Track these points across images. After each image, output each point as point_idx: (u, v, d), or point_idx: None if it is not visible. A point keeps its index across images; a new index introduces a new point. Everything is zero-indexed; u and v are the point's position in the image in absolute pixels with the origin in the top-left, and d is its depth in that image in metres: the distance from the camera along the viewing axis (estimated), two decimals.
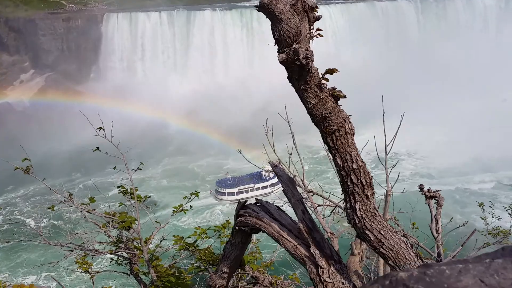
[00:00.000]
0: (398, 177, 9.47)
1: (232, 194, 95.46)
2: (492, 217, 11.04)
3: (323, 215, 9.78)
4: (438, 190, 9.64)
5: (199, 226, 8.16)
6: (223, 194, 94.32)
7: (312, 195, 9.22)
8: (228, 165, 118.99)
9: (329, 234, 7.65)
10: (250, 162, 10.09)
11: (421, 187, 9.70)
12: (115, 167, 7.84)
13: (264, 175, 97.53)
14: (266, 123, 9.52)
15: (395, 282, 1.04)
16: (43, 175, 8.54)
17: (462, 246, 8.60)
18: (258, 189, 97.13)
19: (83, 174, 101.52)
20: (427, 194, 9.75)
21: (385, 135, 9.21)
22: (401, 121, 9.25)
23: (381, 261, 8.15)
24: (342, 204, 10.45)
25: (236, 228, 5.25)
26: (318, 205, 9.39)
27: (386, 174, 9.13)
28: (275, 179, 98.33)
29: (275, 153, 9.53)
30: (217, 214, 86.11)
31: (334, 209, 10.25)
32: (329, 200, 9.92)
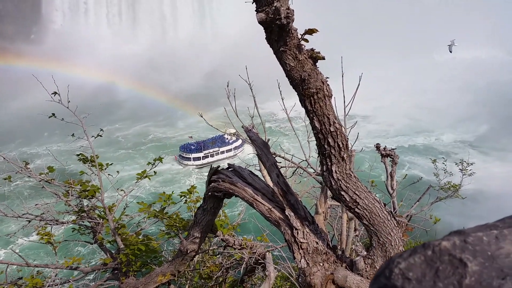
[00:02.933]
0: (357, 137, 9.70)
1: (198, 159, 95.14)
2: (445, 172, 11.64)
3: (286, 176, 9.95)
4: (393, 149, 9.97)
5: (164, 192, 8.02)
6: (189, 159, 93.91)
7: (275, 157, 9.29)
8: (185, 130, 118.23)
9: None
10: (213, 127, 9.91)
11: (377, 146, 9.99)
12: (73, 134, 7.45)
13: (227, 138, 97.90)
14: (228, 86, 9.32)
15: (439, 252, 0.99)
16: None
17: (418, 201, 9.04)
18: (223, 152, 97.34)
19: (26, 143, 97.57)
20: (382, 152, 10.07)
21: (344, 96, 9.32)
22: (359, 81, 9.35)
23: (344, 219, 8.43)
24: (304, 165, 10.70)
25: (209, 193, 5.19)
26: (282, 167, 9.51)
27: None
28: (238, 142, 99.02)
29: (237, 116, 9.42)
30: (183, 179, 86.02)
31: (295, 170, 10.44)
32: (292, 162, 10.06)
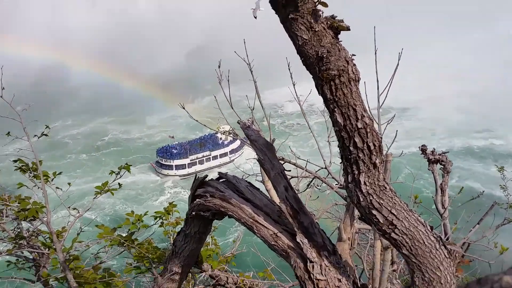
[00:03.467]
0: (395, 136, 9.72)
1: (182, 166, 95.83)
2: None
3: (298, 189, 9.98)
4: (445, 152, 9.97)
5: (133, 212, 8.04)
6: (169, 167, 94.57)
7: (282, 163, 9.24)
8: (159, 128, 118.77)
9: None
10: (200, 123, 9.96)
11: (422, 149, 10.00)
12: (8, 133, 7.46)
13: (220, 139, 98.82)
14: (219, 67, 9.34)
15: None
16: None
17: (478, 224, 9.04)
18: (215, 158, 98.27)
19: None
20: (430, 157, 10.08)
21: (377, 81, 9.35)
22: (399, 60, 9.39)
23: (377, 248, 8.44)
24: (322, 175, 10.71)
25: (193, 213, 5.22)
26: (292, 177, 9.52)
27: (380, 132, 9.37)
28: (235, 144, 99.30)
29: (232, 107, 9.45)
30: (160, 195, 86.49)
31: (311, 181, 10.46)
32: (306, 170, 10.09)
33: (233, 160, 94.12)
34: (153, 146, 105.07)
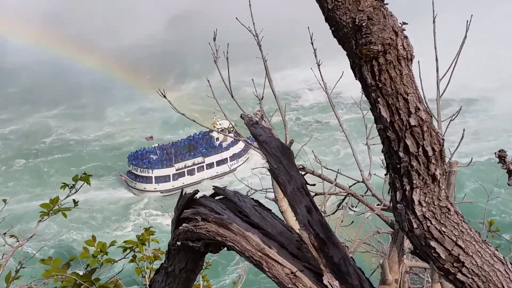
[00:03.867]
0: (462, 138, 9.77)
1: (165, 179, 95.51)
2: None
3: (324, 211, 10.01)
4: None
5: (94, 238, 8.05)
6: (147, 179, 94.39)
7: (303, 175, 9.17)
8: (126, 125, 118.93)
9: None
10: (188, 117, 10.03)
11: (500, 155, 9.99)
12: None
13: (217, 139, 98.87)
14: (214, 40, 9.39)
15: None
16: None
17: None
18: (210, 166, 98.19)
19: None
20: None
21: (436, 60, 9.38)
22: (466, 32, 9.41)
23: None
24: (358, 192, 10.70)
25: (177, 244, 5.25)
26: (316, 194, 9.54)
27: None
28: (238, 147, 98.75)
29: (232, 96, 9.52)
30: (132, 219, 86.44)
31: (344, 200, 10.47)
32: (336, 185, 10.12)
33: (234, 169, 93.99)
34: (116, 151, 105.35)
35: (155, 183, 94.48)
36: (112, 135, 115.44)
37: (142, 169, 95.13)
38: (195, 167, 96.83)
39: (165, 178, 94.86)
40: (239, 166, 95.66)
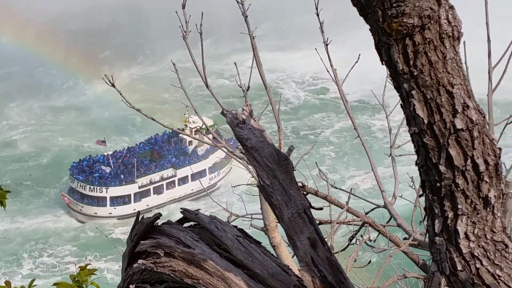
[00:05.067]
0: None
1: (124, 199, 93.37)
2: None
3: (332, 246, 10.00)
4: None
5: (8, 282, 8.06)
6: (99, 201, 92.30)
7: (305, 195, 9.09)
8: (39, 124, 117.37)
9: None
10: (145, 114, 10.07)
11: None
12: None
13: (190, 142, 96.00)
14: (183, 7, 9.42)
15: None
16: None
17: None
18: (183, 181, 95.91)
19: None
20: None
21: (488, 42, 9.43)
22: None
23: None
24: (379, 220, 10.66)
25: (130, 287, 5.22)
26: (321, 222, 9.51)
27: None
28: (219, 153, 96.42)
29: (206, 86, 9.55)
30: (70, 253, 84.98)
31: (358, 231, 10.46)
32: (349, 211, 10.13)
33: (214, 184, 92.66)
34: (24, 163, 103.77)
35: (110, 205, 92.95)
36: (14, 141, 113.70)
37: (92, 187, 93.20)
38: (164, 182, 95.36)
39: (124, 199, 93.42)
40: (220, 179, 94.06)
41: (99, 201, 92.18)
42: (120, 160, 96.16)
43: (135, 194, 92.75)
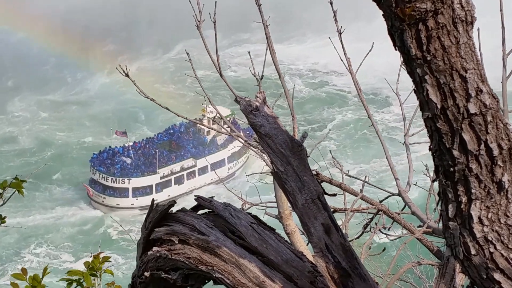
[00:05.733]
0: None
1: (146, 190, 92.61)
2: None
3: (346, 233, 10.00)
4: None
5: (25, 270, 8.08)
6: (121, 192, 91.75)
7: (319, 183, 9.06)
8: (47, 120, 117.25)
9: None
10: (160, 105, 10.08)
11: None
12: None
13: (208, 132, 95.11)
14: None
15: None
16: None
17: None
18: (203, 171, 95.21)
19: None
20: None
21: (502, 25, 9.40)
22: None
23: None
24: (393, 208, 10.65)
25: (145, 275, 5.24)
26: (335, 210, 9.50)
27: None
28: (238, 143, 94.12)
29: (220, 74, 9.55)
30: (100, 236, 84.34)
31: (373, 218, 10.43)
32: (363, 199, 10.12)
33: (233, 174, 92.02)
34: (25, 158, 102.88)
35: (132, 196, 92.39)
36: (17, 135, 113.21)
37: (114, 178, 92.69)
38: (184, 173, 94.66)
39: (146, 190, 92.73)
40: (239, 169, 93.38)
41: (121, 192, 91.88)
42: (139, 151, 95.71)
43: (156, 184, 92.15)
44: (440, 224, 5.59)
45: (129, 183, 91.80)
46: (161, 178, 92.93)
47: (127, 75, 10.40)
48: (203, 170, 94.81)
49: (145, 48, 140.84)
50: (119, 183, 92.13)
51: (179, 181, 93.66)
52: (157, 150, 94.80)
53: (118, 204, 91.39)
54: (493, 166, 3.94)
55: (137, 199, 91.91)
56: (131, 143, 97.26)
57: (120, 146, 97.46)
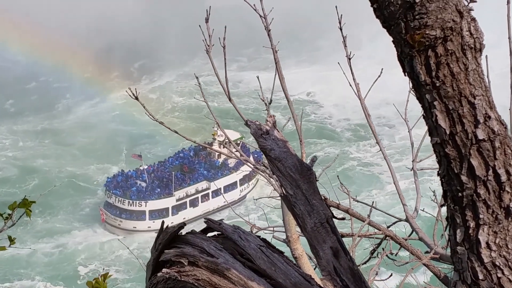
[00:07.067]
0: None
1: (162, 213, 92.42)
2: None
3: (353, 256, 9.99)
4: None
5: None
6: (138, 215, 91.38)
7: (328, 207, 9.08)
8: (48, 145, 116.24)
9: None
10: (168, 127, 10.13)
11: None
12: None
13: (219, 155, 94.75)
14: (207, 21, 9.48)
15: None
16: None
17: None
18: (216, 193, 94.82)
19: None
20: None
21: (511, 50, 9.43)
22: None
23: None
24: (400, 234, 10.64)
25: None
26: (343, 235, 9.50)
27: None
28: (246, 167, 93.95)
29: (229, 99, 9.59)
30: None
31: (380, 244, 10.42)
32: (370, 224, 10.11)
33: (244, 196, 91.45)
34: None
35: (149, 219, 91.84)
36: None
37: (131, 201, 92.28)
38: (199, 195, 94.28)
39: (162, 212, 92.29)
40: (249, 191, 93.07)
41: (138, 215, 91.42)
42: (152, 175, 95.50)
43: (172, 207, 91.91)
44: (448, 250, 5.61)
45: (146, 206, 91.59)
46: (177, 200, 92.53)
47: (136, 98, 10.44)
48: (216, 193, 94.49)
49: (155, 71, 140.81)
50: (136, 206, 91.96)
51: (193, 203, 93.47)
52: (173, 173, 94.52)
53: (135, 227, 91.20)
54: (501, 191, 3.95)
55: (153, 222, 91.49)
56: (144, 166, 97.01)
57: (133, 170, 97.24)
